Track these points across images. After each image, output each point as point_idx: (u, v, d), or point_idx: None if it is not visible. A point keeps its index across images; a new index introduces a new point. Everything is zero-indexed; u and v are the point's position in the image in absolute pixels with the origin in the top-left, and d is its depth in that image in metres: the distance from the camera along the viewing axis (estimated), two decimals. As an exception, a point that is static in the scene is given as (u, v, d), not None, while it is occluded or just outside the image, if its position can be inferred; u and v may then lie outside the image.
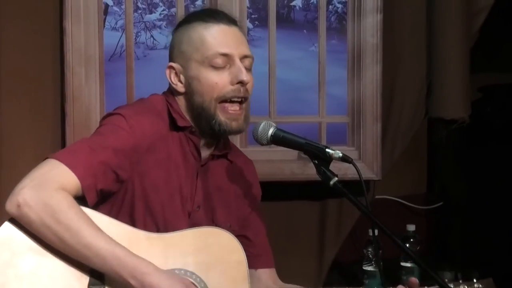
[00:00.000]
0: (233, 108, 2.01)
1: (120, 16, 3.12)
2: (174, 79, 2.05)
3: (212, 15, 2.05)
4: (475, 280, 2.05)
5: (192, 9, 3.10)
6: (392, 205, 3.47)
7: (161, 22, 3.17)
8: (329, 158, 1.88)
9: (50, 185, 1.79)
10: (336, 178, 1.87)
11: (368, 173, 3.16)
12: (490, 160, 3.32)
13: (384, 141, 3.28)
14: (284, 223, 3.28)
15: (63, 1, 2.98)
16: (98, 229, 1.80)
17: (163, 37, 3.13)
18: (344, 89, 3.25)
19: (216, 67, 2.00)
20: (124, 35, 3.11)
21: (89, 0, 3.01)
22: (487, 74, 3.48)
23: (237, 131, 2.05)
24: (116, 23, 3.13)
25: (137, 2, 3.14)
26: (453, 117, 3.31)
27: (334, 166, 1.89)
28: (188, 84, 2.03)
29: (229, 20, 2.05)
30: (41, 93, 3.01)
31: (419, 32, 3.34)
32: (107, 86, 3.08)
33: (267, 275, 2.18)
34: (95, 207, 1.89)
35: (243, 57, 2.03)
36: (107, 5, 3.11)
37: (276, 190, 3.04)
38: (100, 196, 1.90)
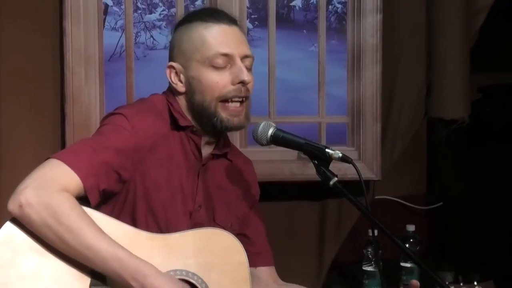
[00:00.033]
0: (234, 105, 2.01)
1: (120, 16, 3.12)
2: (174, 79, 2.05)
3: (213, 14, 2.05)
4: (475, 283, 2.05)
5: (192, 9, 3.10)
6: (391, 205, 3.47)
7: (161, 22, 3.17)
8: (328, 158, 1.88)
9: (52, 186, 1.79)
10: (335, 178, 1.87)
11: (367, 173, 3.16)
12: (490, 160, 3.32)
13: (384, 141, 3.28)
14: (283, 223, 3.28)
15: (63, 1, 2.98)
16: (100, 230, 1.80)
17: (163, 37, 3.13)
18: (343, 89, 3.25)
19: (216, 67, 2.00)
20: (123, 35, 3.11)
21: (89, 0, 3.01)
22: (487, 74, 3.48)
23: (239, 127, 2.05)
24: (116, 23, 3.13)
25: (136, 2, 3.14)
26: (453, 117, 3.31)
27: (333, 166, 1.89)
28: (188, 84, 2.03)
29: (230, 19, 2.05)
30: (41, 93, 3.01)
31: (419, 32, 3.34)
32: (106, 86, 3.08)
33: (267, 273, 2.18)
34: (97, 207, 1.89)
35: (243, 57, 2.03)
36: (107, 5, 3.11)
37: (276, 190, 3.04)
38: (102, 197, 1.90)
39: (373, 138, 3.21)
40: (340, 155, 1.87)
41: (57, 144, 3.02)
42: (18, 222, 1.79)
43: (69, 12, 2.98)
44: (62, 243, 1.78)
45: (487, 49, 3.48)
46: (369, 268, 2.87)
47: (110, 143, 1.89)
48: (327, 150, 1.89)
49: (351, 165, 1.86)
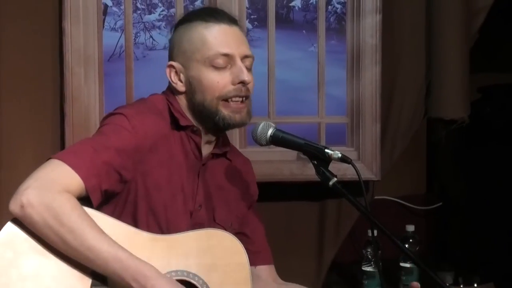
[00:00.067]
0: (236, 103, 2.02)
1: (119, 16, 3.12)
2: (174, 78, 2.05)
3: (213, 14, 2.05)
4: (475, 285, 2.05)
5: (191, 10, 3.10)
6: (391, 205, 3.47)
7: (160, 22, 3.17)
8: (328, 159, 1.88)
9: (53, 186, 1.79)
10: (335, 179, 1.87)
11: (367, 174, 3.16)
12: (490, 160, 3.32)
13: (384, 142, 3.28)
14: (283, 224, 3.28)
15: (63, 1, 2.98)
16: (101, 231, 1.80)
17: (162, 38, 3.13)
18: (343, 89, 3.25)
19: (217, 67, 2.00)
20: (123, 35, 3.11)
21: (88, 0, 3.01)
22: (487, 74, 3.48)
23: (241, 124, 2.05)
24: (115, 23, 3.13)
25: (136, 3, 3.14)
26: (453, 117, 3.31)
27: (333, 167, 1.89)
28: (188, 83, 2.03)
29: (230, 19, 2.05)
30: (40, 93, 3.01)
31: (419, 33, 3.34)
32: (106, 87, 3.08)
33: (267, 272, 2.19)
34: (98, 208, 1.89)
35: (244, 57, 2.03)
36: (106, 6, 3.11)
37: (275, 191, 3.04)
38: (104, 197, 1.90)
39: (373, 138, 3.20)
40: (340, 155, 1.87)
41: (56, 144, 3.02)
42: (19, 222, 1.79)
43: (69, 12, 2.98)
44: (63, 244, 1.78)
45: (487, 49, 3.48)
46: (369, 269, 2.88)
47: (111, 143, 1.89)
48: (326, 150, 1.89)
49: (350, 165, 1.86)
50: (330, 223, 3.31)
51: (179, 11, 3.10)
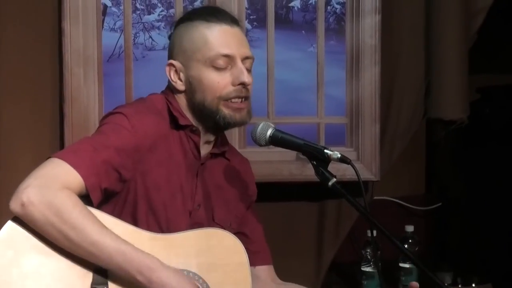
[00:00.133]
0: (236, 102, 2.02)
1: (118, 17, 3.12)
2: (174, 77, 2.05)
3: (215, 14, 2.05)
4: (474, 285, 2.05)
5: (190, 10, 3.10)
6: (390, 206, 3.47)
7: (160, 23, 3.17)
8: (327, 159, 1.89)
9: (54, 184, 1.79)
10: (334, 179, 1.87)
11: (366, 174, 3.16)
12: (489, 160, 3.32)
13: (383, 142, 3.28)
14: (282, 224, 3.27)
15: (62, 2, 2.98)
16: (104, 226, 1.80)
17: (161, 38, 3.13)
18: (342, 90, 3.25)
19: (217, 68, 2.00)
20: (122, 36, 3.11)
21: (87, 1, 3.01)
22: (486, 75, 3.48)
23: (241, 123, 2.06)
24: (114, 24, 3.13)
25: (135, 3, 3.14)
26: (452, 118, 3.31)
27: (332, 167, 1.89)
28: (188, 83, 2.03)
29: (232, 20, 2.05)
30: (39, 93, 3.01)
31: (418, 33, 3.34)
32: (105, 87, 3.08)
33: (266, 272, 2.19)
34: (98, 207, 1.89)
35: (244, 58, 2.03)
36: (105, 6, 3.11)
37: (275, 191, 3.04)
38: (104, 196, 1.90)
39: (372, 138, 3.21)
40: (339, 155, 1.87)
41: (55, 145, 3.01)
42: (20, 221, 1.79)
43: (68, 13, 2.98)
44: (66, 240, 1.78)
45: (486, 49, 3.48)
46: (368, 269, 2.88)
47: (110, 142, 1.89)
48: (325, 150, 1.89)
49: (349, 165, 1.87)
50: (330, 223, 3.31)
51: (178, 11, 3.09)
